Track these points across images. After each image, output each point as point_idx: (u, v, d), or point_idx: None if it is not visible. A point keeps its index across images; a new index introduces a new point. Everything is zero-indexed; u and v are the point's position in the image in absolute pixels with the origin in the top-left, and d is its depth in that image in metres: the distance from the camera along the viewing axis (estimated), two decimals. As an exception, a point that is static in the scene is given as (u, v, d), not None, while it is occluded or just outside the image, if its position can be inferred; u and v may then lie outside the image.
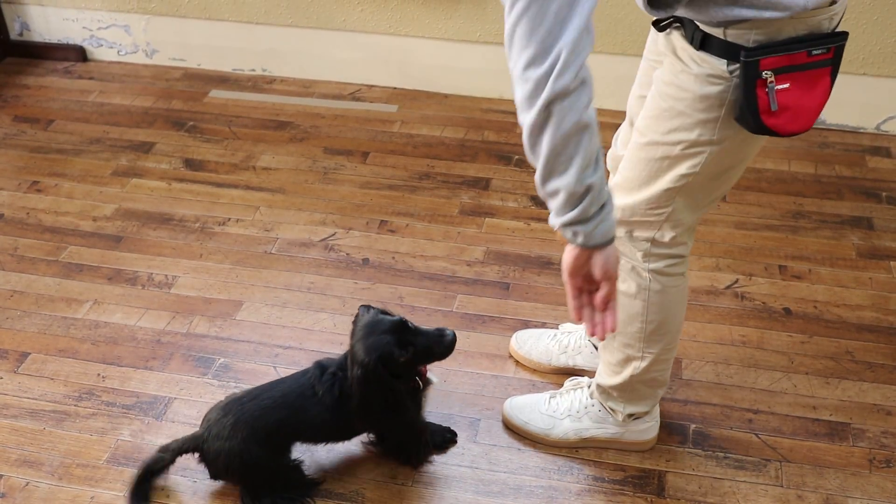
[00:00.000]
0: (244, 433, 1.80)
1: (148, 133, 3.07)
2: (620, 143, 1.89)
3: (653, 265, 1.73)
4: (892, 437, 2.03)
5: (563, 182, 1.37)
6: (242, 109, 3.20)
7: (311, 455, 1.98)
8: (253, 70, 3.39)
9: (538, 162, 1.37)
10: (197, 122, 3.13)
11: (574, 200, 1.38)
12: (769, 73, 1.46)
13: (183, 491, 1.91)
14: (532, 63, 1.30)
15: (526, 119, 1.34)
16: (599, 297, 1.46)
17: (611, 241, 1.44)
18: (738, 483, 1.93)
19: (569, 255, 1.45)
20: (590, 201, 1.38)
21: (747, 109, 1.48)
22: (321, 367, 1.87)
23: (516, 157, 2.94)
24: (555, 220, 1.42)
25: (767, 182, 2.84)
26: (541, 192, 1.41)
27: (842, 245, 2.59)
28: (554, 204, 1.40)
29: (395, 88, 3.31)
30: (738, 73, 1.48)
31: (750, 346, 2.26)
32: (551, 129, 1.33)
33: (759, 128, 1.50)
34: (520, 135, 2.99)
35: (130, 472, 1.93)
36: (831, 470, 1.96)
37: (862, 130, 3.07)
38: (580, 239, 1.42)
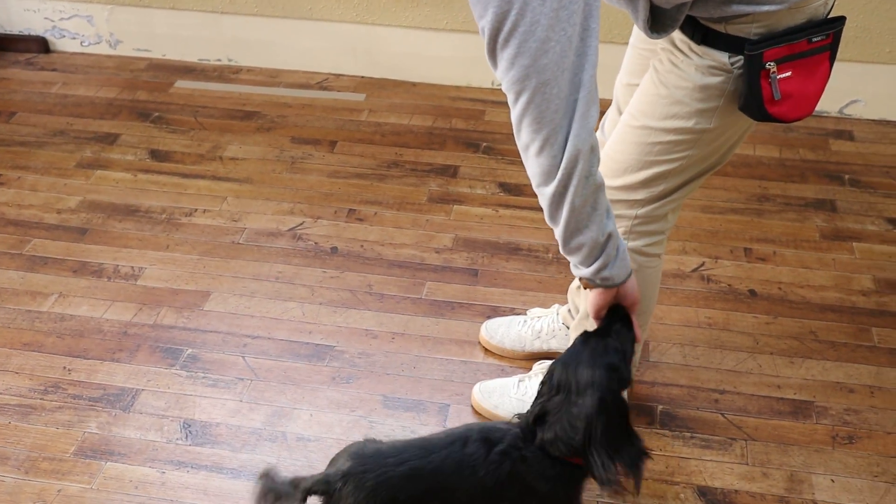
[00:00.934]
0: (383, 498, 1.53)
1: (112, 124, 3.04)
2: (608, 128, 1.91)
3: (633, 243, 1.75)
4: (855, 414, 2.06)
5: (587, 237, 1.45)
6: (208, 100, 3.18)
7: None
8: (219, 60, 3.37)
9: (559, 225, 1.45)
10: (162, 113, 3.10)
11: (598, 250, 1.47)
12: (772, 63, 1.48)
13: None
14: (545, 147, 1.36)
15: (546, 191, 1.41)
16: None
17: (631, 272, 1.54)
18: (705, 462, 1.96)
19: (599, 297, 1.55)
20: (612, 246, 1.48)
21: (752, 100, 1.51)
22: (488, 442, 1.58)
23: (484, 144, 2.95)
24: (583, 272, 1.51)
25: (732, 166, 2.87)
26: (564, 250, 1.50)
27: (805, 227, 2.62)
28: (578, 258, 1.49)
29: (362, 77, 3.30)
30: (739, 64, 1.51)
31: (716, 328, 2.29)
32: (570, 196, 1.40)
33: (764, 116, 1.53)
34: (488, 122, 3.02)
35: (98, 465, 1.93)
36: (795, 447, 1.99)
37: (825, 114, 3.10)
38: (609, 282, 1.51)
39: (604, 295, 1.55)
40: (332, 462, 1.59)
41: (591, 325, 1.64)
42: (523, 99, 1.33)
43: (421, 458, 1.55)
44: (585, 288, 1.57)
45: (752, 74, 1.49)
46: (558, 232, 1.47)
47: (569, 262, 1.54)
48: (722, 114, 1.57)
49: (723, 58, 1.51)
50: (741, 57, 1.50)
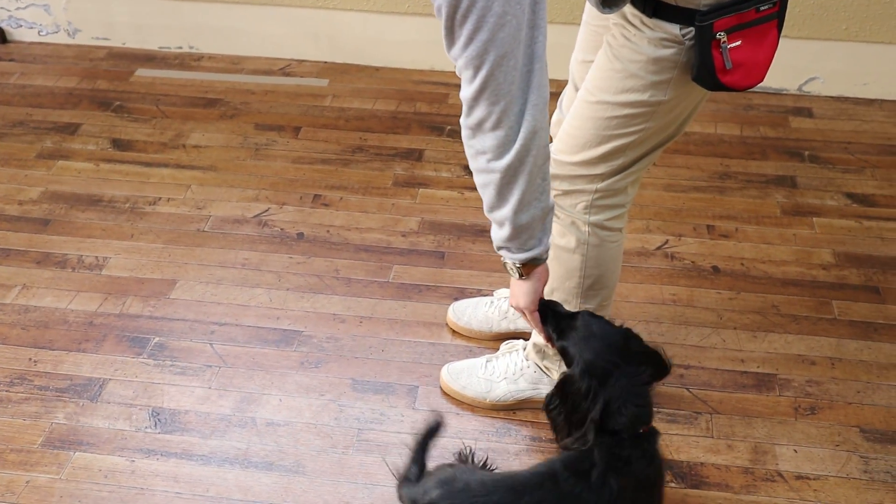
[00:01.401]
0: None
1: (73, 114, 3.01)
2: (565, 105, 1.93)
3: (594, 217, 1.77)
4: (816, 386, 2.10)
5: (538, 209, 1.49)
6: (170, 88, 3.15)
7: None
8: (180, 48, 3.34)
9: (511, 200, 1.46)
10: (123, 102, 3.07)
11: (547, 222, 1.52)
12: (722, 33, 1.51)
13: None
14: (502, 119, 1.39)
15: (499, 165, 1.42)
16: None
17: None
18: (672, 436, 1.99)
19: (543, 278, 1.58)
20: (551, 218, 1.54)
21: (704, 70, 1.54)
22: (580, 473, 1.52)
23: (448, 127, 2.95)
24: (540, 250, 1.53)
25: (695, 145, 2.90)
26: (511, 232, 1.50)
27: (767, 204, 2.66)
28: (526, 235, 1.51)
29: (325, 63, 3.29)
30: (690, 35, 1.53)
31: (680, 305, 2.32)
32: (529, 167, 1.43)
33: (717, 86, 1.56)
34: (452, 105, 3.02)
35: (67, 455, 1.92)
36: (759, 419, 2.03)
37: (785, 92, 3.14)
38: (546, 256, 1.56)
39: (543, 275, 1.59)
40: (420, 482, 1.55)
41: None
42: (482, 74, 1.34)
43: (512, 501, 1.50)
44: (522, 277, 1.57)
45: (703, 45, 1.51)
46: (507, 210, 1.47)
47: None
48: (676, 85, 1.59)
49: (674, 30, 1.53)
50: (692, 28, 1.52)
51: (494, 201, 1.48)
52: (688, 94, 1.62)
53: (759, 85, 3.18)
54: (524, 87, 1.37)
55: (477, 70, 1.34)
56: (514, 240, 1.52)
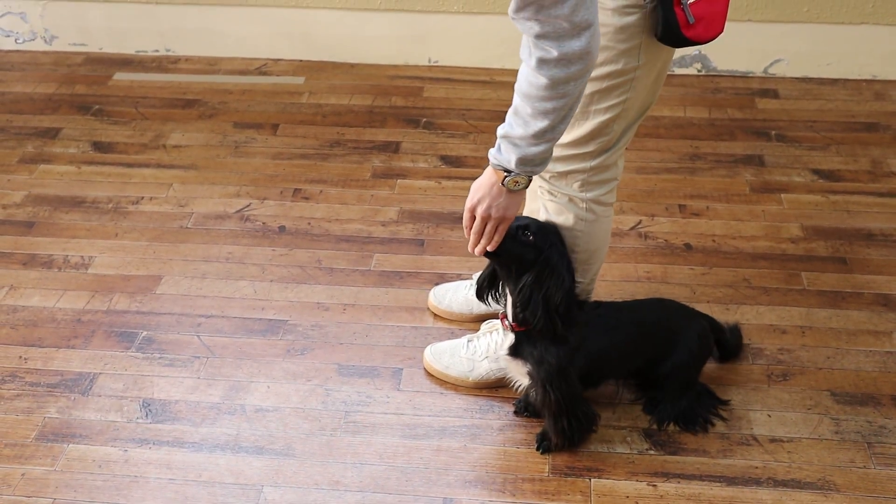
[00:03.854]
0: None
1: (53, 119, 3.05)
2: None
3: (589, 194, 1.84)
4: (788, 353, 2.17)
5: (563, 128, 1.60)
6: (148, 90, 3.19)
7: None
8: (156, 51, 3.38)
9: (565, 107, 1.55)
10: (103, 106, 3.11)
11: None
12: None
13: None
14: (579, 31, 1.47)
15: (574, 47, 1.47)
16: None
17: None
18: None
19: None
20: None
21: (669, 28, 1.63)
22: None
23: (424, 119, 3.01)
24: (537, 148, 1.60)
25: (665, 128, 2.97)
26: (546, 137, 1.58)
27: (736, 182, 2.73)
28: (545, 147, 1.60)
29: (301, 61, 3.34)
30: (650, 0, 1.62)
31: (655, 281, 2.38)
32: (581, 82, 1.52)
33: (682, 41, 1.65)
34: (426, 98, 3.08)
35: (60, 447, 1.96)
36: (733, 387, 2.09)
37: (751, 75, 3.22)
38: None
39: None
40: None
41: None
42: None
43: None
44: (514, 186, 1.66)
45: (665, 4, 1.61)
46: (557, 117, 1.54)
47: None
48: (645, 49, 1.68)
49: None
50: None
51: (560, 117, 1.55)
52: (657, 55, 1.71)
53: (725, 69, 3.25)
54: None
55: None
56: (543, 157, 1.61)
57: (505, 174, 1.64)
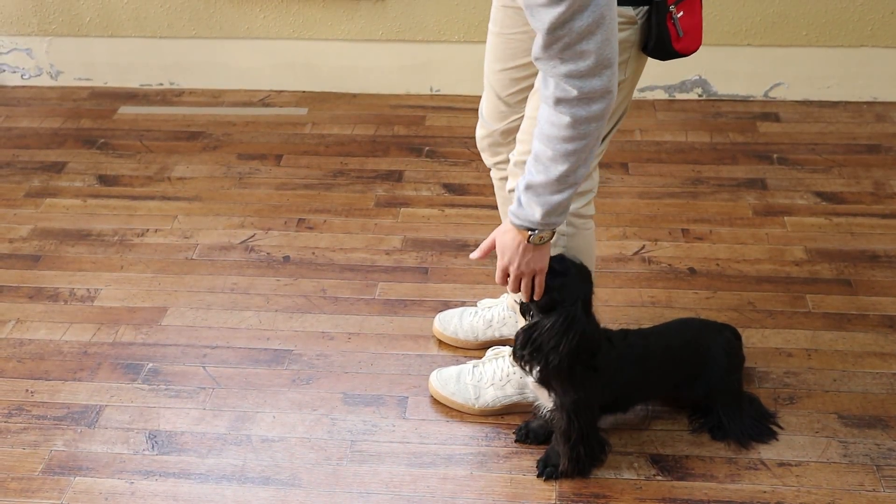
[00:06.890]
0: None
1: (59, 153, 3.07)
2: (487, 115, 2.00)
3: (570, 207, 1.85)
4: (794, 376, 2.17)
5: (584, 172, 1.61)
6: (153, 123, 3.22)
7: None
8: (161, 84, 3.41)
9: (585, 150, 1.56)
10: (108, 139, 3.14)
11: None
12: (672, 6, 1.65)
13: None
14: (601, 70, 1.49)
15: (596, 88, 1.49)
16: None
17: None
18: (656, 432, 2.04)
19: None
20: None
21: (661, 43, 1.67)
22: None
23: (427, 148, 3.03)
24: (558, 217, 1.66)
25: (667, 153, 2.98)
26: (568, 182, 1.59)
27: (739, 206, 2.74)
28: (568, 194, 1.61)
29: (304, 92, 3.37)
30: (642, 14, 1.65)
31: (659, 306, 2.38)
32: (601, 123, 1.54)
33: (671, 55, 1.70)
34: (428, 127, 3.10)
35: (67, 480, 1.96)
36: (740, 411, 2.08)
37: (751, 98, 3.24)
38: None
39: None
40: None
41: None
42: (588, 18, 1.45)
43: None
44: (539, 241, 1.67)
45: (660, 19, 1.64)
46: (576, 160, 1.56)
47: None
48: (633, 63, 1.72)
49: (629, 11, 1.65)
50: (644, 7, 1.65)
51: (581, 160, 1.57)
52: (638, 68, 1.75)
53: (726, 93, 3.27)
54: (613, 48, 1.50)
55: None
56: (562, 189, 1.61)
57: (529, 232, 1.66)
